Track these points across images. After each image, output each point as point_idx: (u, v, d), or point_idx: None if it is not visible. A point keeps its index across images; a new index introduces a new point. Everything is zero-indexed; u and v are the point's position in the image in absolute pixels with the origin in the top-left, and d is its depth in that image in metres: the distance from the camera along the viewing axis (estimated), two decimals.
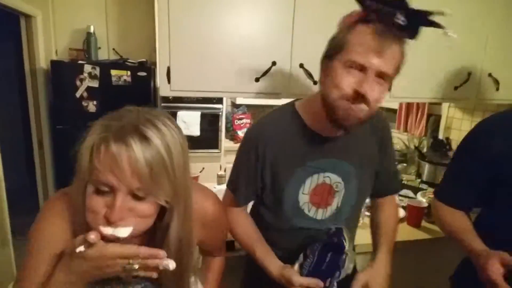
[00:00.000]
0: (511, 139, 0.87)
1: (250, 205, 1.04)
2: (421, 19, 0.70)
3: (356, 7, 0.73)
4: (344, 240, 0.84)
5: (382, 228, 0.99)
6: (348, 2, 0.75)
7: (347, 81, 0.72)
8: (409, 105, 2.88)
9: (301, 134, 0.87)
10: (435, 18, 0.70)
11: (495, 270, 0.73)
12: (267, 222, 0.96)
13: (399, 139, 3.01)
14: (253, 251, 0.92)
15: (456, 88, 1.48)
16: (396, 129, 3.07)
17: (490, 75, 1.52)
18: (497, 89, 1.54)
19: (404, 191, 1.87)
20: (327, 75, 0.77)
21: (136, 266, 0.56)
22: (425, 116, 2.69)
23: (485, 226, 0.92)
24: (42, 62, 2.77)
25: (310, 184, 0.89)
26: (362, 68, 0.71)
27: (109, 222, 0.55)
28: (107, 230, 0.55)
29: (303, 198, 0.90)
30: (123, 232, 0.56)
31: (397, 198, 1.83)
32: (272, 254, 0.90)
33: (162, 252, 0.56)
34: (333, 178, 0.90)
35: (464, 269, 1.00)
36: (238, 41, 1.23)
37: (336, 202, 0.92)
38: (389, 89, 0.81)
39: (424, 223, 1.50)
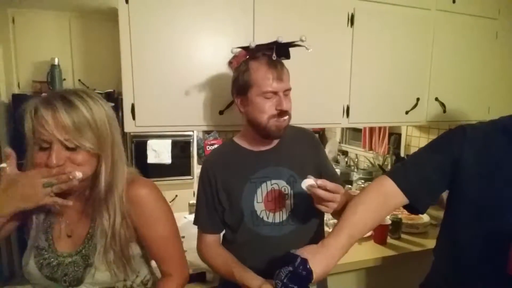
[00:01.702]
0: (478, 158, 0.84)
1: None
2: (286, 47, 1.00)
3: None
4: (310, 273, 0.87)
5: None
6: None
7: (268, 106, 0.96)
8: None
9: (241, 154, 1.05)
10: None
11: None
12: (235, 243, 1.04)
13: (365, 157, 3.15)
14: (231, 274, 0.97)
15: (407, 112, 1.60)
16: (362, 148, 3.22)
17: (436, 99, 1.67)
18: (444, 111, 1.69)
19: None
20: (247, 106, 1.00)
21: (54, 181, 0.70)
22: (387, 135, 2.85)
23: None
24: (3, 96, 2.68)
25: (261, 193, 1.01)
26: (275, 93, 0.96)
27: (49, 168, 0.70)
28: (70, 169, 0.71)
29: (259, 206, 1.00)
30: (79, 174, 0.72)
31: None
32: (250, 272, 0.96)
33: (70, 168, 0.72)
34: (279, 184, 1.02)
35: (433, 276, 1.02)
36: (201, 75, 1.27)
37: (289, 204, 1.02)
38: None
39: (389, 240, 1.56)
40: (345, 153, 3.52)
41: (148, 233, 0.85)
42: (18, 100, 2.58)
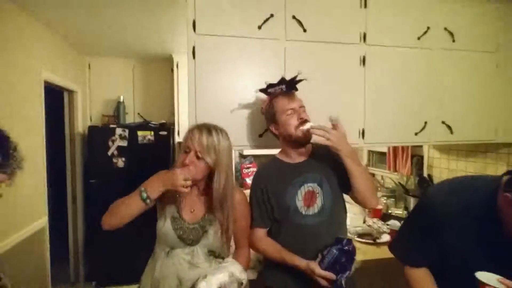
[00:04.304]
0: (457, 230, 1.02)
1: None
2: (294, 82, 1.40)
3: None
4: (354, 249, 1.22)
5: None
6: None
7: (292, 120, 1.33)
8: (395, 149, 3.26)
9: (283, 166, 1.41)
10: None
11: None
12: (280, 232, 1.37)
13: (390, 178, 3.35)
14: (282, 257, 1.31)
15: (416, 133, 1.88)
16: (387, 170, 3.42)
17: (443, 122, 1.92)
18: (451, 132, 1.93)
19: (391, 221, 2.17)
20: (279, 128, 1.37)
21: (184, 177, 1.13)
22: (409, 157, 3.05)
23: None
24: (80, 127, 3.29)
25: (300, 193, 1.34)
26: (294, 109, 1.33)
27: (184, 164, 1.17)
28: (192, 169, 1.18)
29: (299, 203, 1.34)
30: (196, 174, 1.19)
31: (385, 227, 2.14)
32: (296, 255, 1.29)
33: (192, 168, 1.17)
34: (313, 186, 1.35)
35: None
36: (245, 107, 1.66)
37: (320, 201, 1.34)
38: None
39: None
40: (372, 175, 3.73)
41: (239, 223, 1.32)
42: (92, 130, 3.17)
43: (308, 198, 1.34)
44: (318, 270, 1.20)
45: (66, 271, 3.27)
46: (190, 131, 1.23)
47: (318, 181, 1.35)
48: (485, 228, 1.00)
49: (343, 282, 1.17)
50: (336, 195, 1.37)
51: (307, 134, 1.32)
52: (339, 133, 1.27)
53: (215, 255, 1.26)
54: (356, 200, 1.35)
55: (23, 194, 2.20)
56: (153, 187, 1.16)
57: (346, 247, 1.21)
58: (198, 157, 1.19)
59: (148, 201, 1.15)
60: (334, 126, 1.28)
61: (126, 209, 1.16)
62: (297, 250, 1.30)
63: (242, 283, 1.15)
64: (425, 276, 1.14)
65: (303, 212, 1.33)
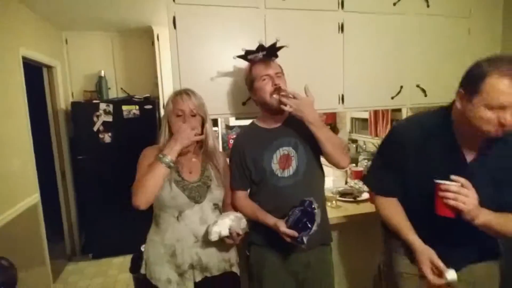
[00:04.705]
0: (420, 154, 1.16)
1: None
2: (273, 49, 1.44)
3: None
4: (315, 210, 1.31)
5: None
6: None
7: (267, 86, 1.39)
8: (376, 114, 3.39)
9: (260, 132, 1.48)
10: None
11: (426, 266, 1.11)
12: (258, 193, 1.47)
13: (372, 143, 3.50)
14: (256, 216, 1.42)
15: (392, 97, 1.97)
16: (369, 135, 3.57)
17: (418, 86, 2.02)
18: (425, 95, 2.04)
19: None
20: (256, 94, 1.44)
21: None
22: (389, 122, 3.18)
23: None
24: (62, 104, 3.25)
25: (276, 157, 1.42)
26: (269, 75, 1.39)
27: (192, 128, 1.29)
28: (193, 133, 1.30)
29: (275, 166, 1.42)
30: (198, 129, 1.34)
31: (365, 187, 2.29)
32: (268, 214, 1.40)
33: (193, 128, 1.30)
34: (288, 150, 1.42)
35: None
36: (228, 76, 1.70)
37: (294, 163, 1.42)
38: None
39: None
40: (355, 141, 3.88)
41: (224, 172, 1.45)
42: (76, 106, 3.15)
43: (283, 161, 1.42)
44: (283, 228, 1.30)
45: (62, 246, 3.36)
46: (178, 96, 1.32)
47: (292, 145, 1.43)
48: (445, 150, 1.15)
49: (304, 239, 1.27)
50: (310, 158, 1.44)
51: (280, 102, 1.37)
52: (302, 101, 1.33)
53: (219, 208, 1.41)
54: (329, 162, 1.44)
55: (12, 172, 2.23)
56: (169, 150, 1.25)
57: (308, 208, 1.31)
58: (193, 115, 1.32)
59: (171, 163, 1.24)
60: (295, 95, 1.34)
61: (153, 180, 1.22)
62: (274, 209, 1.39)
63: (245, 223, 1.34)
64: (393, 201, 1.29)
65: (279, 175, 1.42)
